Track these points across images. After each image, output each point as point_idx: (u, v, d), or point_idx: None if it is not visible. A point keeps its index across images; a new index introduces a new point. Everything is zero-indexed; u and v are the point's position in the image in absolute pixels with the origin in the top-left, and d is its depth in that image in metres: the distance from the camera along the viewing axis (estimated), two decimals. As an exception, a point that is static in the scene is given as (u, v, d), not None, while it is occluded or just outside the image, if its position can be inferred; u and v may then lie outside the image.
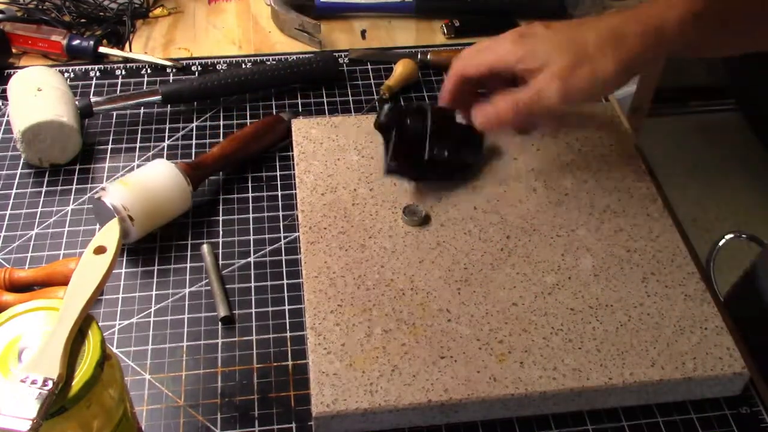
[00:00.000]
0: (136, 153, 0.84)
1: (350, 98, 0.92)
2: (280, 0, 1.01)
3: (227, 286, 0.71)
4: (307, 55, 0.94)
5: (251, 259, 0.73)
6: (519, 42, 0.67)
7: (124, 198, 0.70)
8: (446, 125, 0.74)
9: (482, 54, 0.70)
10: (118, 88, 0.92)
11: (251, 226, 0.76)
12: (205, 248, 0.73)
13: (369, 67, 0.96)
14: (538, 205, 0.74)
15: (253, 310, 0.69)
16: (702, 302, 0.66)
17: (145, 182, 0.73)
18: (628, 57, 0.65)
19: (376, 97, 0.92)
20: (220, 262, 0.73)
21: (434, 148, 0.73)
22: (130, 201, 0.71)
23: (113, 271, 0.67)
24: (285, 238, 0.75)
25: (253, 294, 0.71)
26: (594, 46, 0.65)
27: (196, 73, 0.95)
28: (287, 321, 0.68)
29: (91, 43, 0.95)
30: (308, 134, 0.80)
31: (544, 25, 0.68)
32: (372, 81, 0.94)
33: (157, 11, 1.04)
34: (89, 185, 0.80)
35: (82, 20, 1.00)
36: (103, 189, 0.71)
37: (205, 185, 0.79)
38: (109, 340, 0.66)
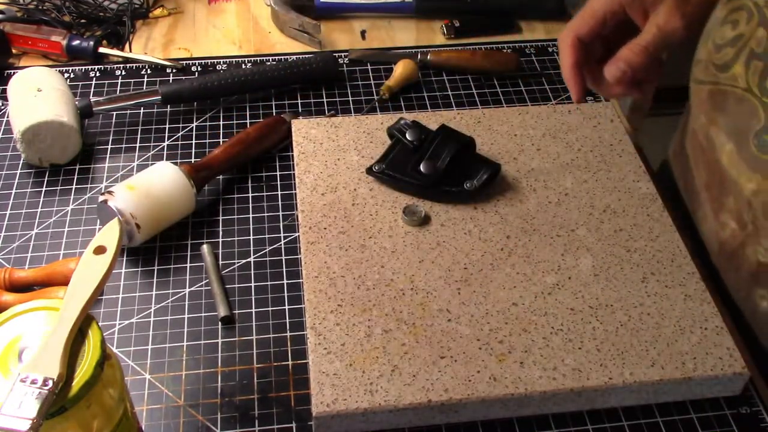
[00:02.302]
0: (136, 153, 0.84)
1: (350, 98, 0.92)
2: (280, 0, 1.01)
3: (227, 286, 0.71)
4: (307, 56, 0.94)
5: (251, 259, 0.73)
6: None
7: (132, 204, 0.70)
8: (446, 145, 0.74)
9: (588, 8, 0.66)
10: (118, 88, 0.92)
11: (251, 226, 0.76)
12: (205, 248, 0.73)
13: (369, 67, 0.96)
14: (538, 205, 0.74)
15: (253, 310, 0.69)
16: (702, 302, 0.66)
17: (151, 187, 0.72)
18: None
19: (376, 97, 0.92)
20: (220, 262, 0.73)
21: (423, 165, 0.74)
22: (137, 207, 0.71)
23: (113, 271, 0.67)
24: (285, 238, 0.75)
25: (253, 294, 0.71)
26: None
27: (196, 73, 0.95)
28: (287, 321, 0.69)
29: (91, 43, 0.95)
30: (308, 134, 0.80)
31: None
32: (372, 81, 0.94)
33: (157, 11, 1.04)
34: (89, 185, 0.80)
35: (82, 20, 1.00)
36: (109, 192, 0.71)
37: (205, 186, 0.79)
38: (109, 340, 0.66)
